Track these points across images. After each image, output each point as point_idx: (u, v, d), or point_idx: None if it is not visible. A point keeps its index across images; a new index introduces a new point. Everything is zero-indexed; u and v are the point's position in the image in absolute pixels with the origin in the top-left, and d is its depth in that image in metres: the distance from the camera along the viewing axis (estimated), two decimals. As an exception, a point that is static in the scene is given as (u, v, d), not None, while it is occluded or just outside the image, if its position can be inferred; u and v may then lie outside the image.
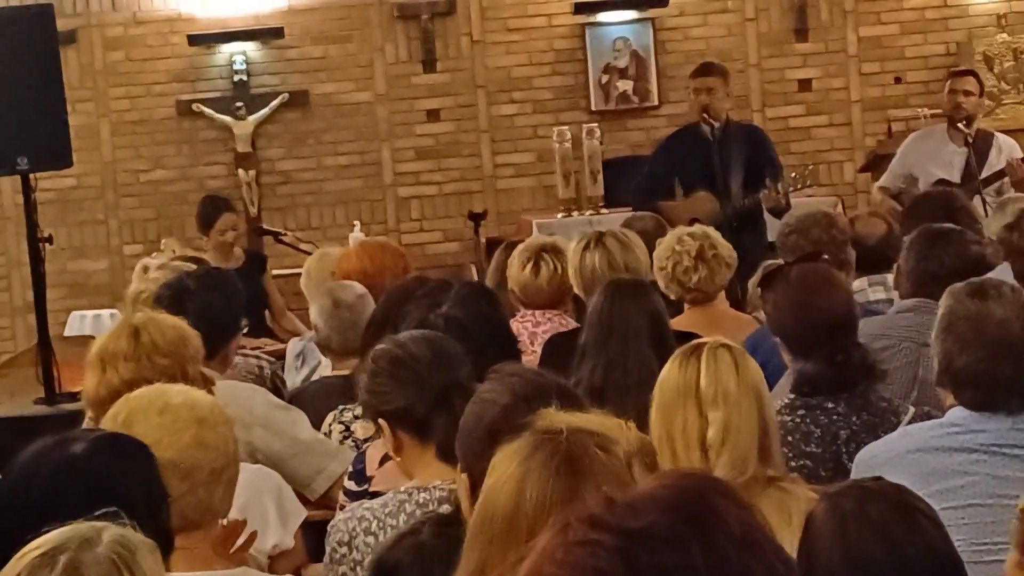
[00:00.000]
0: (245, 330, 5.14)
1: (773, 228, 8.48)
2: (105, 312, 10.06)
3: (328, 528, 3.56)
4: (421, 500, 3.42)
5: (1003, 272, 5.19)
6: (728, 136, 8.42)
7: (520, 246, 5.89)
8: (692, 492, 1.39)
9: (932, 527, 2.34)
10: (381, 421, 3.59)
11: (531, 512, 2.13)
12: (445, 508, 3.12)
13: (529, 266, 5.77)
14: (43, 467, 2.79)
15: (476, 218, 10.79)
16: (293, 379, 6.17)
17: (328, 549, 3.51)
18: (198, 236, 9.34)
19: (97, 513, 2.37)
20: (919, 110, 11.06)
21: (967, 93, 8.41)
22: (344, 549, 3.46)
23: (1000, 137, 8.59)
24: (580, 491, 2.10)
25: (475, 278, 9.13)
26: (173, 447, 3.04)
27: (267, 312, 8.54)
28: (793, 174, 8.56)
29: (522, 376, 3.04)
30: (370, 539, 3.43)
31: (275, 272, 9.28)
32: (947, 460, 3.49)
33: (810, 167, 8.73)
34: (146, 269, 5.99)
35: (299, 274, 9.29)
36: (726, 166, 8.35)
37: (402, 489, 3.48)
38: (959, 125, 8.34)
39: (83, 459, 2.79)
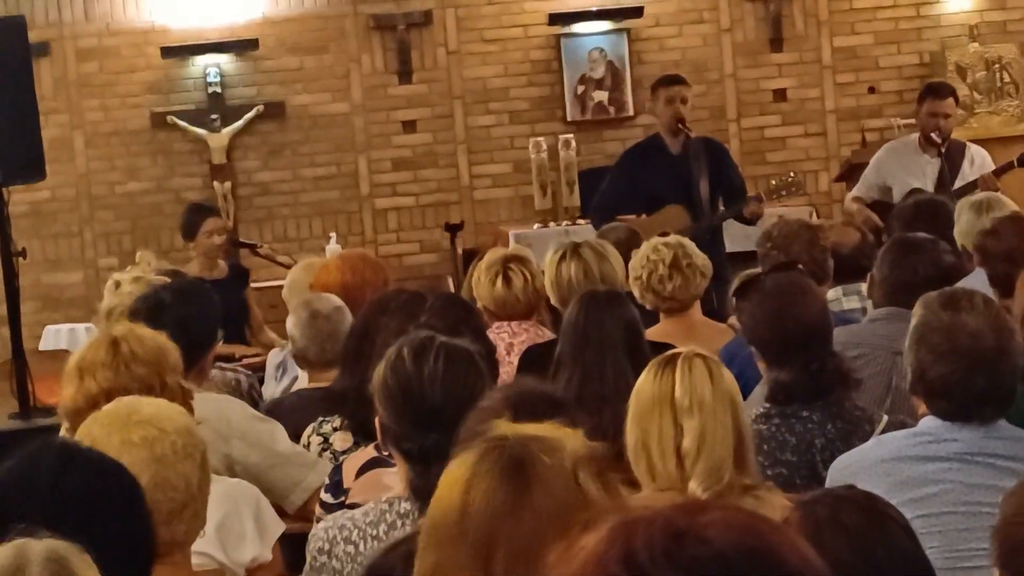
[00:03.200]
0: (220, 342, 5.13)
1: (737, 235, 8.54)
2: (80, 326, 10.05)
3: (308, 537, 3.56)
4: (403, 510, 3.43)
5: (977, 278, 5.22)
6: (695, 148, 8.43)
7: (483, 262, 5.87)
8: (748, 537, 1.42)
9: (904, 535, 2.36)
10: (399, 456, 3.55)
11: (477, 515, 2.18)
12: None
13: (499, 280, 5.76)
14: (15, 488, 2.78)
15: (453, 229, 10.81)
16: (272, 389, 6.17)
17: (308, 558, 3.51)
18: (174, 248, 9.32)
19: (24, 528, 2.36)
20: (893, 120, 11.12)
21: (946, 116, 8.47)
22: (324, 557, 3.47)
23: (972, 147, 8.64)
24: (525, 495, 2.16)
25: (452, 289, 9.14)
26: None
27: (246, 326, 8.52)
28: (773, 181, 8.58)
29: (519, 388, 3.07)
30: (350, 548, 3.43)
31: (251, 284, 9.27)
32: (920, 469, 3.51)
33: (793, 175, 8.76)
34: (118, 284, 5.97)
35: (275, 287, 9.33)
36: (696, 178, 8.36)
37: (383, 499, 3.49)
38: (932, 136, 8.39)
39: (54, 481, 2.78)
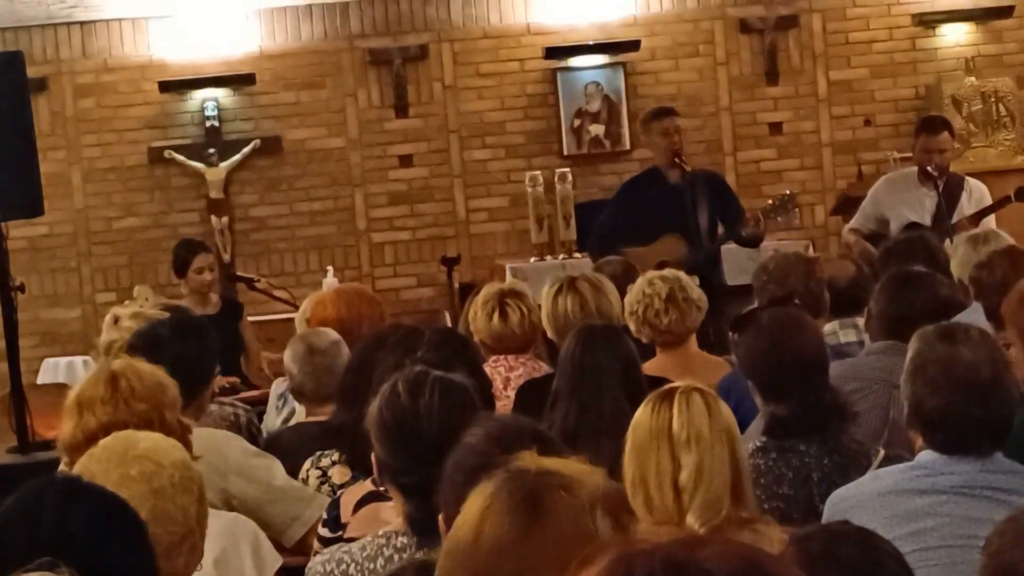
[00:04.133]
0: (218, 374, 5.14)
1: (737, 268, 8.55)
2: (78, 359, 10.05)
3: (305, 570, 3.56)
4: (400, 544, 3.43)
5: (975, 312, 5.23)
6: (693, 179, 8.45)
7: (479, 297, 5.89)
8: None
9: (899, 569, 2.36)
10: (395, 490, 3.56)
11: (487, 546, 2.18)
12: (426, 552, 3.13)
13: (496, 314, 5.77)
14: (18, 528, 2.78)
15: (449, 263, 10.82)
16: (274, 420, 6.18)
17: (306, 591, 3.51)
18: (171, 283, 9.31)
19: (35, 563, 2.37)
20: (889, 153, 11.15)
21: (942, 151, 8.48)
22: (321, 591, 3.47)
23: (971, 181, 8.65)
24: (535, 529, 2.15)
25: (449, 323, 9.15)
26: None
27: (242, 358, 8.53)
28: (769, 202, 8.59)
29: (501, 422, 3.07)
30: (347, 583, 3.43)
31: (248, 318, 9.28)
32: (917, 502, 3.51)
33: (788, 192, 8.77)
34: (116, 319, 5.98)
35: (272, 320, 9.35)
36: (694, 209, 8.38)
37: (380, 533, 3.49)
38: (929, 169, 8.41)
39: (57, 520, 2.78)
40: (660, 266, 6.45)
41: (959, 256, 6.26)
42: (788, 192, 8.80)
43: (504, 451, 2.50)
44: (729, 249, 8.75)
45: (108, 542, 2.76)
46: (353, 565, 3.45)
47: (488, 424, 3.04)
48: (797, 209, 8.91)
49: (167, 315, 5.68)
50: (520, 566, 2.16)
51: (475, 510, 2.21)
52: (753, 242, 8.42)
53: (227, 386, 7.15)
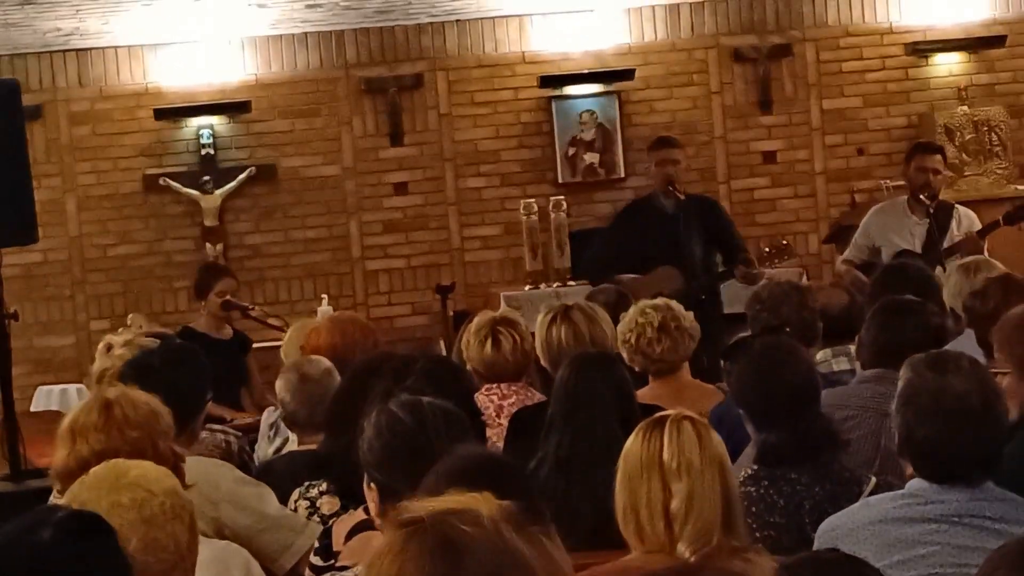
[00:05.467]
0: (210, 404, 5.13)
1: (734, 296, 8.57)
2: (72, 387, 10.04)
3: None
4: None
5: (967, 339, 5.24)
6: (688, 208, 8.47)
7: (472, 325, 5.90)
8: None
9: (888, 598, 2.37)
10: (370, 484, 3.58)
11: None
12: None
13: (489, 342, 5.78)
14: (13, 560, 2.78)
15: (444, 291, 10.83)
16: (266, 449, 6.17)
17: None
18: (165, 311, 9.34)
19: None
20: (882, 181, 11.19)
21: (935, 172, 8.51)
22: (312, 621, 3.47)
23: (960, 209, 8.69)
24: (462, 566, 2.06)
25: (443, 351, 9.15)
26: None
27: (245, 390, 8.54)
28: (767, 249, 8.62)
29: (469, 455, 3.08)
30: (337, 613, 3.43)
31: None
32: (908, 531, 3.51)
33: (785, 242, 8.81)
34: (109, 347, 5.98)
35: (266, 347, 9.34)
36: (688, 238, 8.40)
37: (371, 563, 3.48)
38: (921, 197, 8.43)
39: (53, 548, 2.78)
40: (655, 297, 6.45)
41: (951, 284, 6.27)
42: (784, 242, 8.84)
43: (464, 486, 2.45)
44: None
45: (86, 557, 2.75)
46: (344, 594, 3.44)
47: (454, 460, 3.05)
48: (793, 256, 8.96)
49: (158, 343, 5.67)
50: None
51: (392, 569, 2.09)
52: (750, 282, 8.44)
53: (223, 419, 7.15)
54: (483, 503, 2.16)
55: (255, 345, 9.20)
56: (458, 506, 2.15)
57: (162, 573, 3.11)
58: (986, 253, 7.91)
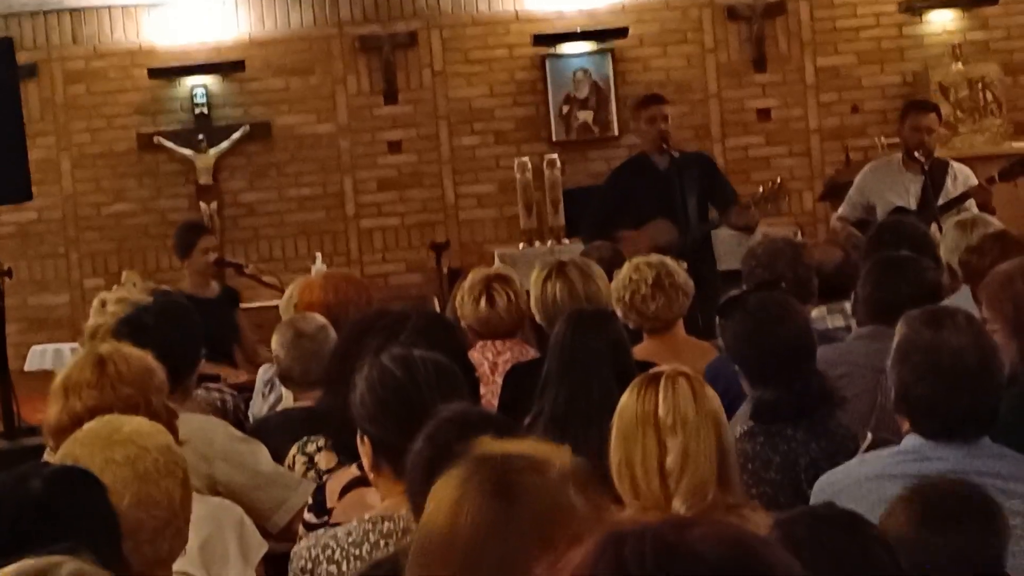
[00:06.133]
0: (203, 361, 5.11)
1: (729, 253, 8.55)
2: (66, 346, 10.03)
3: (291, 555, 3.55)
4: (385, 530, 3.42)
5: (963, 295, 5.23)
6: (681, 164, 8.45)
7: (466, 283, 5.88)
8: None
9: (884, 553, 2.36)
10: (363, 438, 3.58)
11: (466, 534, 2.18)
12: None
13: (483, 300, 5.77)
14: (2, 507, 2.78)
15: (438, 249, 10.82)
16: (261, 406, 6.17)
17: (291, 576, 3.50)
18: (159, 269, 9.32)
19: (55, 547, 2.36)
20: (876, 139, 11.16)
21: (930, 131, 8.50)
22: (306, 576, 3.46)
23: (955, 165, 8.67)
24: (512, 513, 2.16)
25: (437, 309, 9.14)
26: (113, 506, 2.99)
27: (237, 347, 8.52)
28: (760, 189, 8.60)
29: (461, 411, 3.08)
30: (332, 568, 3.42)
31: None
32: (904, 486, 3.51)
33: (777, 180, 8.77)
34: (104, 303, 5.97)
35: (260, 307, 9.33)
36: (683, 194, 8.38)
37: (366, 518, 3.48)
38: (915, 154, 8.42)
39: (43, 496, 2.78)
40: (652, 251, 6.43)
41: (948, 240, 6.26)
42: (777, 180, 8.81)
43: (463, 440, 2.50)
44: (721, 234, 8.76)
45: (75, 506, 2.76)
46: (339, 550, 3.44)
47: (447, 413, 3.05)
48: (787, 197, 8.93)
49: (151, 300, 5.65)
50: (503, 551, 2.16)
51: (447, 502, 2.21)
52: (747, 229, 8.41)
53: (218, 377, 7.13)
54: (557, 454, 2.21)
55: (248, 305, 9.20)
56: (533, 453, 2.21)
57: (155, 529, 3.10)
58: (975, 210, 7.90)
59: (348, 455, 4.36)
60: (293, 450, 4.77)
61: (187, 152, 11.56)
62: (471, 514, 2.18)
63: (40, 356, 10.39)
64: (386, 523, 3.43)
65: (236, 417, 5.73)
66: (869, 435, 4.15)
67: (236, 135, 11.61)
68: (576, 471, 2.21)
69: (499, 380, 5.45)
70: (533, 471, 2.20)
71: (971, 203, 8.31)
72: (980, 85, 11.48)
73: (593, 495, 2.20)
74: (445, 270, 10.74)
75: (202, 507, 3.59)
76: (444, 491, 2.23)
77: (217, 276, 8.74)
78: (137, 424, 3.28)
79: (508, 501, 2.18)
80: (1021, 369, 4.17)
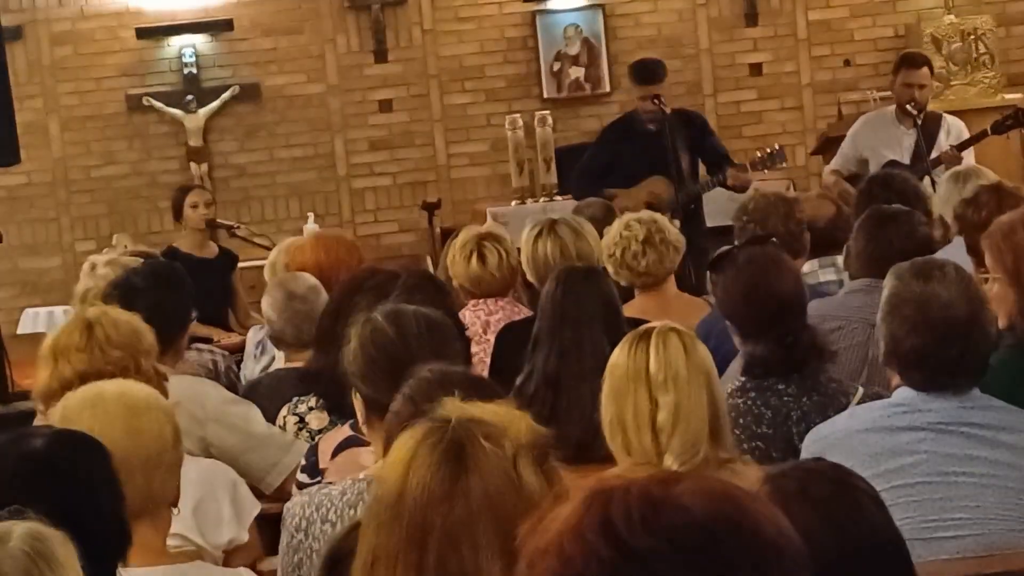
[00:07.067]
0: (194, 320, 5.11)
1: (718, 209, 8.54)
2: (58, 309, 10.01)
3: (284, 511, 3.55)
4: (380, 490, 3.42)
5: (957, 247, 5.22)
6: (673, 122, 8.43)
7: (457, 241, 5.87)
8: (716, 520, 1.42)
9: (873, 506, 2.36)
10: (356, 394, 3.58)
11: (414, 497, 2.18)
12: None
13: (474, 258, 5.76)
14: (5, 462, 2.79)
15: (430, 208, 10.80)
16: (252, 368, 6.16)
17: (284, 535, 3.49)
18: (151, 231, 9.30)
19: (2, 512, 2.38)
20: (869, 92, 11.12)
21: (921, 86, 8.49)
22: (301, 535, 3.45)
23: (948, 118, 8.67)
24: (461, 480, 2.16)
25: (431, 268, 9.13)
26: (104, 438, 3.00)
27: (230, 309, 8.51)
28: (758, 153, 8.59)
29: (440, 370, 3.09)
30: (327, 527, 3.41)
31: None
32: (895, 439, 3.51)
33: (778, 147, 8.76)
34: (94, 267, 5.96)
35: (252, 267, 9.31)
36: (674, 152, 8.37)
37: (360, 477, 3.48)
38: (908, 107, 8.41)
39: (45, 454, 2.79)
40: (648, 206, 6.42)
41: (941, 193, 6.25)
42: (778, 147, 8.80)
43: (426, 403, 2.50)
44: (711, 191, 8.74)
45: (78, 465, 2.77)
46: (333, 510, 3.43)
47: (426, 372, 3.05)
48: (785, 161, 8.92)
49: (141, 262, 5.64)
50: (448, 520, 2.16)
51: (398, 464, 2.21)
52: (740, 190, 8.40)
53: (211, 339, 7.13)
54: (516, 422, 2.20)
55: (241, 265, 9.19)
56: (490, 417, 2.20)
57: (148, 461, 3.11)
58: (974, 162, 7.89)
59: (339, 415, 4.37)
60: (284, 411, 4.77)
61: (177, 113, 11.52)
62: (418, 481, 2.18)
63: (33, 319, 10.37)
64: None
65: (228, 379, 5.73)
66: (860, 389, 4.15)
67: (225, 95, 11.58)
68: (534, 443, 2.20)
69: (491, 339, 5.45)
70: (486, 439, 2.19)
71: (967, 153, 8.31)
72: (973, 37, 11.43)
73: (548, 469, 2.19)
74: (437, 230, 10.73)
75: (195, 469, 3.59)
76: (398, 451, 2.23)
77: (213, 238, 8.75)
78: (123, 383, 3.30)
79: (456, 472, 2.17)
80: (1019, 319, 4.16)
